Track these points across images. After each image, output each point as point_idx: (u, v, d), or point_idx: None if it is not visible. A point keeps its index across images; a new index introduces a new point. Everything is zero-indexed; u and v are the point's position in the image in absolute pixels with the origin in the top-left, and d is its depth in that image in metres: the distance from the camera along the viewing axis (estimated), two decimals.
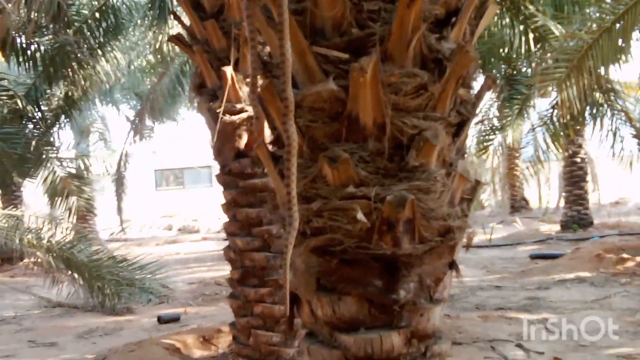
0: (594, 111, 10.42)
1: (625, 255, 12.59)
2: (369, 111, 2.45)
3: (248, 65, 5.48)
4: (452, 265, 2.75)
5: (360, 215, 2.45)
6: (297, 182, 2.35)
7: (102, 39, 9.70)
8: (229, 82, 5.36)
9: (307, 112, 2.52)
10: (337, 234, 2.54)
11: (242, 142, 5.52)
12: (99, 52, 9.84)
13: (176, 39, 5.83)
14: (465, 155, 2.75)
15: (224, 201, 5.81)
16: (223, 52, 5.48)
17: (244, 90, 5.47)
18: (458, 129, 2.64)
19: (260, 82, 2.62)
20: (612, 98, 10.49)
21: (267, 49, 2.80)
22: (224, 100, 5.36)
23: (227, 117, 5.41)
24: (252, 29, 2.40)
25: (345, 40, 2.45)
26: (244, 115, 5.46)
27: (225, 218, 5.90)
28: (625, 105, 10.89)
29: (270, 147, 2.76)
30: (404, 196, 2.46)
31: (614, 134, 11.07)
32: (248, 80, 5.50)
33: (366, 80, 2.38)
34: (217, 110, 5.41)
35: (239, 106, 5.46)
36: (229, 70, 5.37)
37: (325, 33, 2.49)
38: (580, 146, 17.34)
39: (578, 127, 13.40)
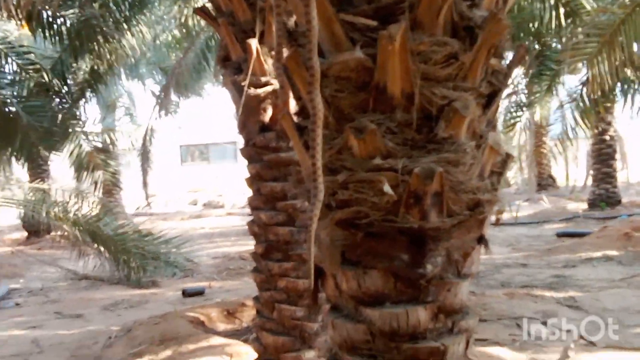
0: (625, 88, 10.22)
1: None
2: (397, 81, 2.38)
3: (273, 38, 5.42)
4: (481, 240, 2.68)
5: (387, 188, 2.39)
6: (322, 154, 2.30)
7: (127, 13, 9.69)
8: (254, 55, 5.29)
9: (333, 82, 2.45)
10: (363, 207, 2.48)
11: (267, 115, 5.46)
12: (125, 26, 9.83)
13: (201, 11, 5.76)
14: (496, 128, 2.66)
15: (248, 175, 5.77)
16: (248, 24, 5.41)
17: (269, 63, 5.40)
18: (489, 100, 2.55)
19: (285, 51, 2.56)
20: None
21: (293, 18, 2.73)
22: (249, 73, 5.31)
23: (252, 91, 5.35)
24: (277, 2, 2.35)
25: (374, 7, 2.38)
26: (269, 88, 5.39)
27: (249, 192, 5.86)
28: None
29: (295, 118, 2.70)
30: (432, 168, 2.39)
31: None
32: (273, 52, 5.45)
33: (395, 49, 2.31)
34: (242, 84, 5.36)
35: (263, 79, 5.39)
36: (254, 42, 5.30)
37: (352, 0, 2.42)
38: (609, 124, 17.10)
39: (608, 105, 13.17)
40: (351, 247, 2.59)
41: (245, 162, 5.78)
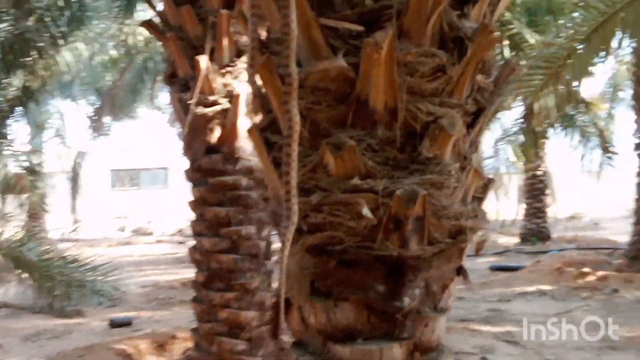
0: (565, 123, 10.32)
1: (586, 270, 12.56)
2: (381, 93, 2.17)
3: (224, 55, 5.19)
4: (460, 271, 2.48)
5: (365, 211, 2.17)
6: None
7: (64, 28, 9.25)
8: (203, 72, 5.03)
9: (309, 93, 2.23)
10: (337, 232, 2.25)
11: (214, 136, 5.19)
12: (61, 41, 9.39)
13: (148, 24, 5.47)
14: (479, 150, 2.47)
15: (191, 198, 5.46)
16: (198, 40, 5.16)
17: (218, 82, 5.15)
18: (474, 118, 2.37)
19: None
20: (582, 110, 10.42)
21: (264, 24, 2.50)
22: (197, 91, 5.04)
23: (200, 109, 5.08)
24: None
25: (357, 12, 2.17)
26: (217, 107, 5.13)
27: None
28: (598, 116, 10.83)
29: (263, 133, 2.45)
30: (415, 191, 2.18)
31: (585, 146, 11.00)
32: (223, 70, 5.20)
33: (380, 58, 2.10)
34: (189, 102, 5.08)
35: (212, 98, 5.13)
36: (203, 59, 5.04)
37: (334, 4, 2.21)
38: (541, 159, 17.32)
39: (543, 140, 13.32)
40: (322, 276, 2.34)
41: (187, 186, 5.47)
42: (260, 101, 2.41)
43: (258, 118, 2.49)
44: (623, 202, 21.97)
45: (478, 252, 2.57)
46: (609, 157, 10.82)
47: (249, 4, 2.06)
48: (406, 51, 2.15)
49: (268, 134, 2.41)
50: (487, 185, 2.48)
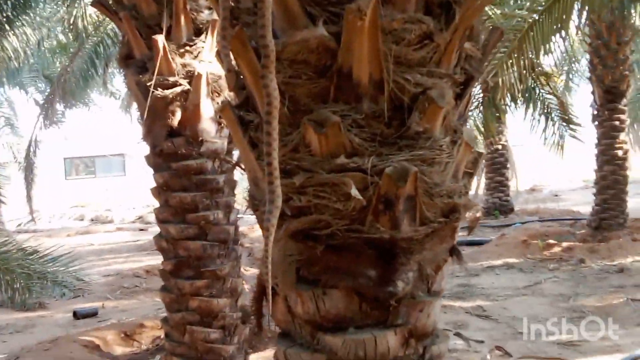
0: (527, 95, 10.25)
1: (551, 241, 12.63)
2: (365, 64, 2.01)
3: (182, 34, 4.96)
4: (454, 251, 2.34)
5: (354, 191, 2.01)
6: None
7: (10, 13, 8.89)
8: (161, 52, 4.80)
9: (287, 67, 2.05)
10: (323, 215, 2.10)
11: (176, 119, 4.97)
12: (7, 27, 9.03)
13: (99, 3, 5.19)
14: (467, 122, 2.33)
15: (154, 185, 5.25)
16: (153, 18, 4.92)
17: (177, 62, 4.92)
18: (462, 88, 2.22)
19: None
20: (543, 82, 10.37)
21: None
22: (156, 72, 4.82)
23: (159, 92, 4.86)
24: None
25: None
26: (177, 89, 4.91)
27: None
28: (556, 88, 10.81)
29: (237, 111, 2.27)
30: (405, 168, 2.03)
31: (547, 118, 10.96)
32: (182, 50, 4.98)
33: (364, 25, 1.93)
34: (148, 84, 4.85)
35: (172, 79, 4.90)
36: (160, 38, 4.81)
37: None
38: (501, 133, 17.33)
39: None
40: (308, 263, 2.19)
41: (151, 170, 5.25)
42: (233, 77, 2.22)
43: (231, 95, 2.30)
44: (581, 174, 22.30)
45: (471, 230, 2.43)
46: (572, 129, 10.80)
47: None
48: (391, 18, 1.99)
49: (243, 113, 2.24)
50: (477, 159, 2.34)
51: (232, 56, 2.10)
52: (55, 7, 10.27)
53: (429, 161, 2.09)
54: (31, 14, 9.80)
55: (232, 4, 2.18)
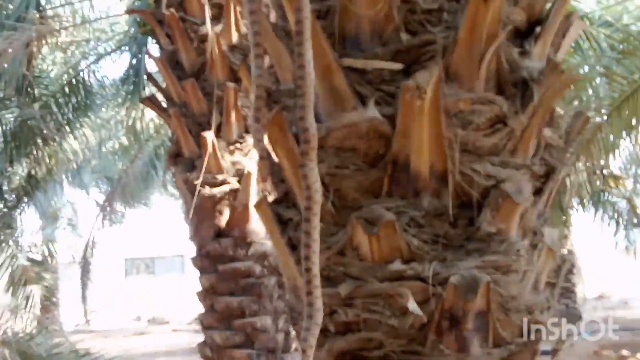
0: (595, 198, 9.76)
1: (624, 353, 11.78)
2: (425, 153, 1.68)
3: (232, 131, 4.75)
4: None
5: (412, 305, 1.64)
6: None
7: (70, 115, 8.95)
8: (210, 149, 4.59)
9: (332, 155, 1.73)
10: (375, 332, 1.72)
11: (224, 219, 4.71)
12: (67, 128, 9.08)
13: (150, 101, 5.06)
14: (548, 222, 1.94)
15: (200, 289, 4.94)
16: (203, 116, 4.74)
17: (226, 160, 4.70)
18: (543, 182, 1.85)
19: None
20: (612, 184, 9.90)
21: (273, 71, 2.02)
22: (203, 170, 4.59)
23: (207, 190, 4.61)
24: (256, 29, 1.64)
25: (391, 50, 1.70)
26: (225, 187, 4.67)
27: (199, 308, 5.01)
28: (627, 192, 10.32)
29: (274, 207, 1.95)
30: (475, 277, 1.66)
31: (617, 222, 10.42)
32: (231, 147, 4.76)
33: (424, 106, 1.61)
34: (195, 182, 4.62)
35: (220, 177, 4.68)
36: (209, 136, 4.61)
37: (360, 41, 1.73)
38: (566, 237, 16.71)
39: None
40: None
41: (197, 273, 4.95)
42: (269, 167, 1.90)
43: (267, 188, 1.99)
44: None
45: (555, 354, 2.00)
46: None
47: (252, 49, 1.58)
48: (456, 97, 1.67)
49: (281, 209, 1.90)
50: (559, 266, 1.95)
51: (267, 143, 1.80)
52: (116, 109, 10.34)
53: (504, 269, 1.72)
54: (92, 117, 9.87)
55: (271, 85, 1.90)
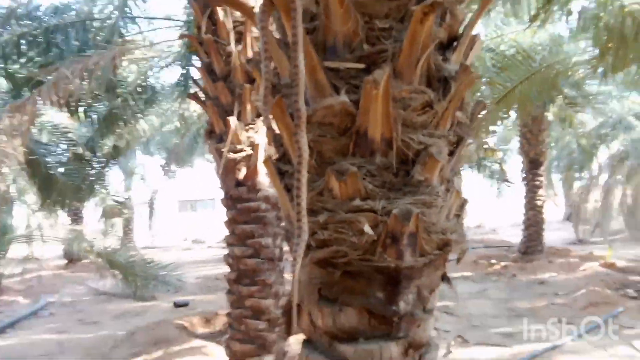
0: (479, 162, 9.74)
1: (493, 261, 11.95)
2: (378, 126, 1.57)
3: (247, 116, 4.60)
4: (444, 277, 1.85)
5: (367, 228, 1.56)
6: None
7: (142, 106, 8.69)
8: (233, 129, 4.44)
9: (315, 127, 1.62)
10: (342, 246, 1.63)
11: (241, 174, 4.58)
12: (139, 115, 8.82)
13: (194, 96, 4.88)
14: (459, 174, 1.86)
15: (226, 219, 4.83)
16: (229, 106, 4.58)
17: (243, 135, 4.55)
18: (454, 147, 1.76)
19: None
20: (489, 154, 9.89)
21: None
22: (228, 142, 4.45)
23: (231, 155, 4.48)
24: (265, 40, 1.51)
25: (357, 56, 1.57)
26: (242, 154, 4.54)
27: (226, 232, 4.92)
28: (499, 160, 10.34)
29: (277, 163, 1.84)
30: (409, 210, 1.57)
31: (491, 178, 10.45)
32: (247, 127, 4.61)
33: (378, 94, 1.51)
34: (223, 150, 4.48)
35: (239, 147, 4.54)
36: (233, 120, 4.46)
37: (336, 49, 1.60)
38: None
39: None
40: (328, 285, 1.71)
41: (224, 210, 4.83)
42: (273, 136, 1.80)
43: (271, 151, 1.88)
44: (511, 216, 21.48)
45: (459, 261, 1.94)
46: (508, 186, 10.30)
47: (262, 54, 1.46)
48: (400, 88, 1.57)
49: (280, 164, 1.80)
50: (463, 204, 1.87)
51: (272, 119, 1.68)
52: (172, 103, 10.07)
53: (428, 204, 1.63)
54: (156, 108, 9.59)
55: (274, 80, 1.78)
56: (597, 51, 5.49)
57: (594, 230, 14.32)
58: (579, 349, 5.99)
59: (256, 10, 1.65)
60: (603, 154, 13.55)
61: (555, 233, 15.63)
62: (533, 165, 11.81)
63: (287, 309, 1.83)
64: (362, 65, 1.54)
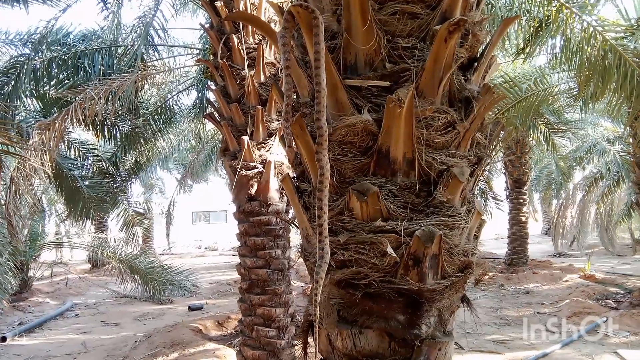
0: None
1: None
2: (401, 145, 1.38)
3: (260, 136, 4.41)
4: (464, 299, 1.65)
5: (390, 249, 1.36)
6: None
7: (161, 126, 8.53)
8: (245, 147, 4.26)
9: (336, 146, 1.43)
10: (362, 267, 1.43)
11: (253, 189, 4.38)
12: (159, 134, 8.67)
13: (209, 116, 4.70)
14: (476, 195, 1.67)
15: (238, 231, 4.61)
16: (242, 126, 4.39)
17: (255, 154, 4.36)
18: (474, 168, 1.57)
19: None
20: None
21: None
22: (241, 159, 4.25)
23: (244, 172, 4.28)
24: (287, 57, 1.33)
25: (379, 74, 1.39)
26: (255, 170, 4.34)
27: (237, 243, 4.70)
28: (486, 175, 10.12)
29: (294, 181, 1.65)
30: (432, 231, 1.37)
31: (481, 195, 10.20)
32: (259, 146, 4.42)
33: (402, 112, 1.32)
34: (236, 167, 4.28)
35: (252, 164, 4.34)
36: (246, 138, 4.27)
37: (357, 68, 1.42)
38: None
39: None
40: (348, 307, 1.51)
41: (236, 222, 4.62)
42: (292, 153, 1.60)
43: (291, 169, 1.68)
44: (498, 230, 21.15)
45: (478, 283, 1.74)
46: (497, 203, 10.06)
47: (284, 71, 1.28)
48: (423, 108, 1.38)
49: (299, 183, 1.61)
50: (481, 225, 1.67)
51: (292, 137, 1.49)
52: (188, 123, 9.90)
53: (450, 226, 1.43)
54: (174, 127, 9.44)
55: (294, 99, 1.59)
56: (573, 83, 5.28)
57: (571, 244, 14.06)
58: (567, 357, 5.72)
59: (276, 28, 1.48)
60: (578, 175, 13.39)
61: (535, 246, 15.38)
62: (517, 184, 11.61)
63: (303, 329, 1.62)
64: (386, 83, 1.35)
